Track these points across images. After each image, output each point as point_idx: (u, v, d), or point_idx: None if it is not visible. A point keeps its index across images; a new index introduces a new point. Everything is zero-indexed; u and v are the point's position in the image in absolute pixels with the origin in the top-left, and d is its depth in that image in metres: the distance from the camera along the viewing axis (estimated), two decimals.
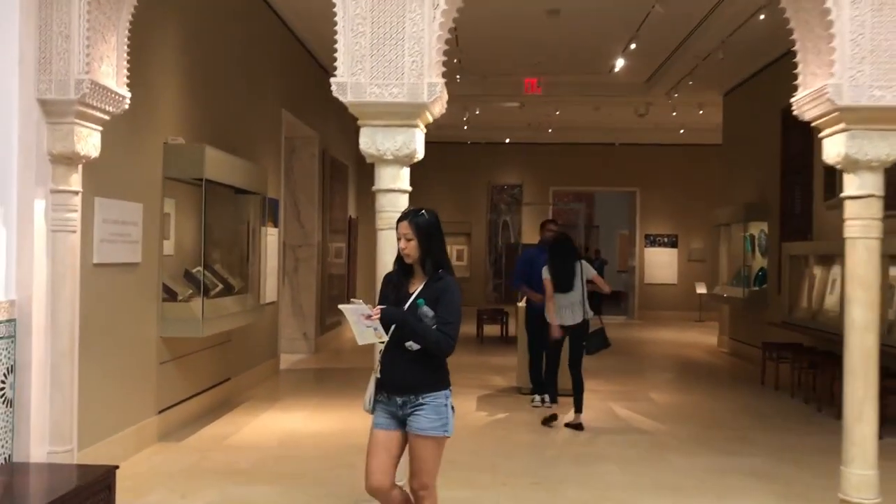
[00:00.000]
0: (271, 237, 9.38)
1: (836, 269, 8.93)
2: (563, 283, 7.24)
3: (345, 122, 14.73)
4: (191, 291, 6.79)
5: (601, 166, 19.87)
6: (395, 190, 4.39)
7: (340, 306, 3.57)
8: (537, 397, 8.14)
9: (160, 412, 6.40)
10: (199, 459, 5.90)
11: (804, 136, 10.39)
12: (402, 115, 4.30)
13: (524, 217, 20.24)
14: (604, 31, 11.13)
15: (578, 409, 7.28)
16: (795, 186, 10.73)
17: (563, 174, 20.09)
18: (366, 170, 15.63)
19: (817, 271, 9.19)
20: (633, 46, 11.14)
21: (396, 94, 4.25)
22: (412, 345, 3.52)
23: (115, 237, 5.54)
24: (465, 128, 17.53)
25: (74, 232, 4.51)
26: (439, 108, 4.46)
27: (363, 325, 3.47)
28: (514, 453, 6.35)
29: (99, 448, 5.33)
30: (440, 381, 3.60)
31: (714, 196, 19.44)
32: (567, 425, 7.23)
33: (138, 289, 6.03)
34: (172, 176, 6.46)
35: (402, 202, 4.42)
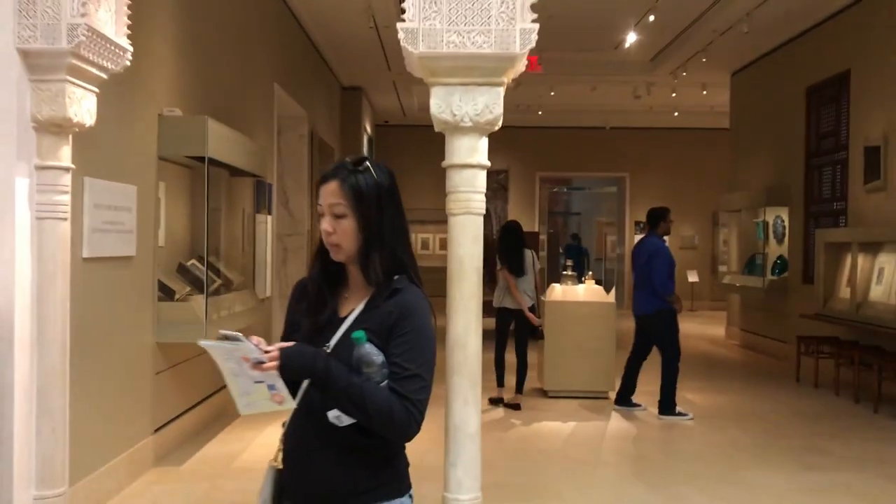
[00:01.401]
0: (267, 225, 8.43)
1: (882, 258, 8.27)
2: (515, 269, 7.48)
3: (332, 101, 13.79)
4: (189, 289, 5.85)
5: (590, 151, 19.15)
6: (472, 165, 3.51)
7: (202, 342, 1.93)
8: None
9: (156, 431, 5.46)
10: (208, 489, 4.99)
11: (837, 115, 9.72)
12: (487, 70, 3.42)
13: (511, 205, 19.44)
14: (616, 2, 10.34)
15: (519, 390, 7.53)
16: (825, 168, 10.06)
17: (551, 159, 19.33)
18: (351, 153, 14.71)
19: (861, 260, 8.51)
20: (651, 18, 10.35)
21: (481, 43, 3.36)
22: (340, 417, 1.94)
23: (107, 226, 4.59)
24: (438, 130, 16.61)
25: (65, 219, 3.57)
26: (523, 64, 3.59)
27: (247, 378, 1.87)
28: (573, 471, 5.54)
29: (89, 484, 4.39)
30: (390, 484, 2.00)
31: (707, 181, 18.96)
32: (506, 405, 7.43)
33: (133, 287, 5.08)
34: (169, 153, 5.50)
35: (481, 180, 3.55)
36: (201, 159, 5.59)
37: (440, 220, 16.32)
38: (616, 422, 7.04)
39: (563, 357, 7.81)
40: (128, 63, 3.82)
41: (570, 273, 8.17)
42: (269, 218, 8.78)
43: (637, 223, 19.82)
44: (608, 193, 21.98)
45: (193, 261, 6.50)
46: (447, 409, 3.54)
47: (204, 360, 6.27)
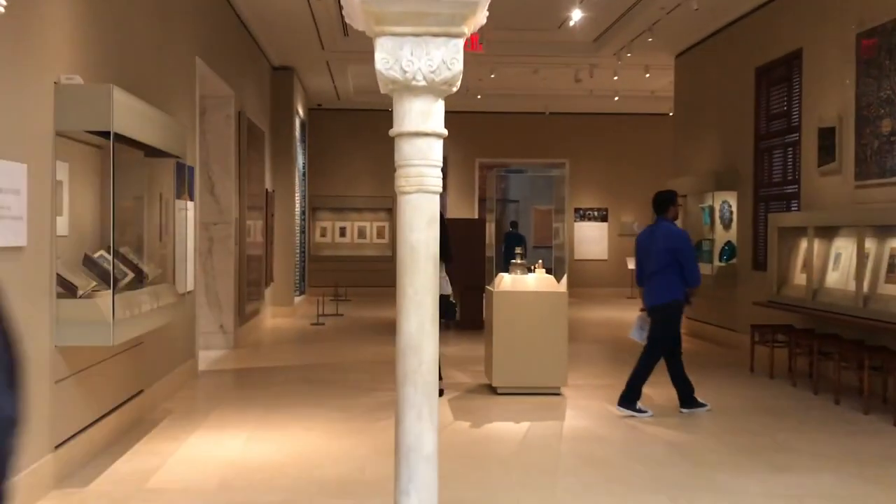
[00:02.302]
0: (189, 213, 7.69)
1: (839, 242, 7.98)
2: (443, 254, 6.85)
3: (262, 82, 12.99)
4: (95, 283, 5.12)
5: (530, 137, 18.74)
6: (426, 133, 2.93)
7: None
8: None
9: (57, 447, 4.73)
10: None
11: (788, 95, 9.43)
12: (443, 17, 2.84)
13: (449, 192, 18.89)
14: None
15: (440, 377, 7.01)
16: (775, 151, 9.78)
17: (490, 145, 18.85)
18: (282, 137, 13.95)
19: (816, 245, 8.22)
20: None
21: None
22: None
23: None
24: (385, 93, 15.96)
25: None
26: (484, 15, 3.02)
27: None
28: (534, 480, 5.02)
29: None
30: None
31: (649, 167, 18.73)
32: None
33: (24, 283, 4.35)
34: (67, 127, 4.76)
35: (436, 151, 2.97)
36: (108, 135, 4.86)
37: (377, 207, 15.64)
38: (572, 420, 6.57)
39: (513, 351, 7.31)
40: (1, 10, 3.10)
41: (518, 262, 7.66)
42: (191, 204, 8.03)
43: (577, 210, 19.52)
44: (546, 180, 21.65)
45: (102, 252, 5.76)
46: (397, 426, 2.96)
47: (112, 364, 5.57)
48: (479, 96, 16.62)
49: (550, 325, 7.36)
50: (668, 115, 18.01)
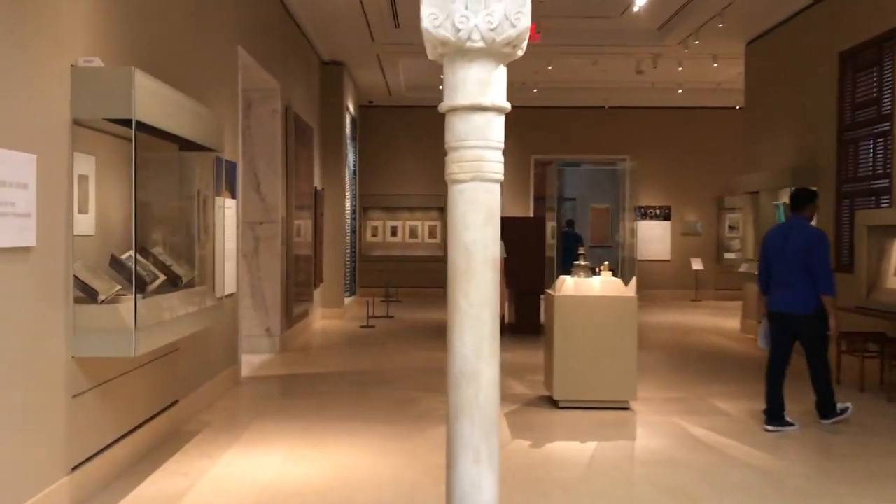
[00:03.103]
0: (229, 211, 7.25)
1: None
2: None
3: (310, 76, 12.56)
4: (119, 288, 4.66)
5: (588, 132, 18.02)
6: (485, 107, 2.37)
7: None
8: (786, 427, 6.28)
9: (74, 469, 4.29)
10: None
11: (879, 81, 8.61)
12: None
13: (504, 189, 18.24)
14: None
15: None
16: (862, 143, 8.95)
17: (547, 141, 18.17)
18: (332, 134, 13.52)
19: None
20: None
21: None
22: None
23: None
24: (441, 87, 15.42)
25: None
26: None
27: None
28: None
29: None
30: None
31: (712, 164, 17.87)
32: None
33: (35, 287, 3.90)
34: (85, 115, 4.31)
35: (496, 130, 2.41)
36: (131, 124, 4.39)
37: (429, 206, 15.11)
38: (644, 440, 5.92)
39: (576, 361, 6.69)
40: None
41: (582, 263, 7.03)
42: (233, 202, 7.60)
43: (637, 208, 18.71)
44: (608, 174, 20.90)
45: (131, 253, 5.33)
46: (449, 469, 2.39)
47: (142, 373, 5.12)
48: (535, 90, 15.98)
49: (618, 332, 6.72)
50: (734, 108, 17.15)
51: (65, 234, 4.21)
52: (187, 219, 6.19)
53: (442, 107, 2.42)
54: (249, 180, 9.58)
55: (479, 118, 2.36)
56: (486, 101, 2.36)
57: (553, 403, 6.88)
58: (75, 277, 4.33)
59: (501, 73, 2.40)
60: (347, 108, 14.38)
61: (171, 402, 5.86)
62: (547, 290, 7.29)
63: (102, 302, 4.44)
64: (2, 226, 3.53)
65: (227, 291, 7.21)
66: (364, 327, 12.47)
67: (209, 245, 6.33)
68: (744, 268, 11.66)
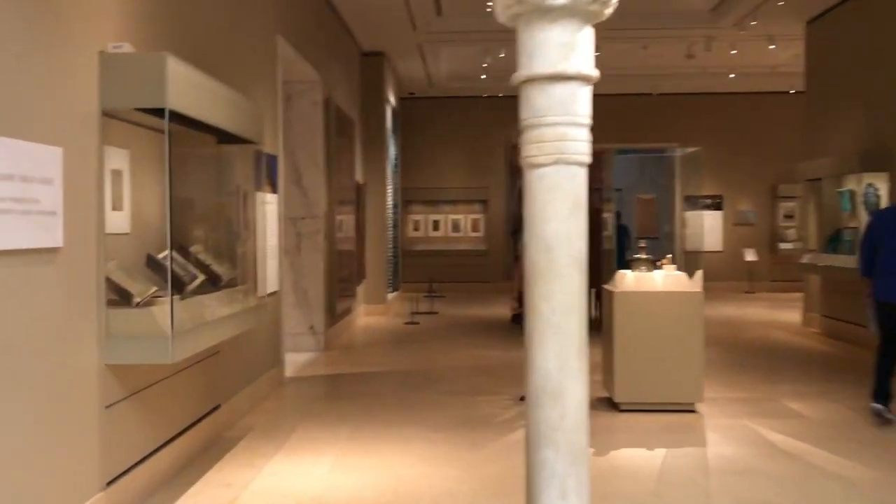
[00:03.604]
0: (270, 206, 6.96)
1: None
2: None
3: (350, 67, 12.26)
4: (155, 289, 4.38)
5: (636, 120, 17.44)
6: (568, 76, 1.99)
7: None
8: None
9: (109, 484, 4.01)
10: None
11: None
12: None
13: None
14: None
15: None
16: None
17: (592, 129, 17.62)
18: (373, 126, 13.17)
19: None
20: None
21: None
22: None
23: (9, 205, 3.12)
24: (483, 77, 15.04)
25: None
26: None
27: None
28: None
29: None
30: None
31: (765, 151, 17.23)
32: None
33: (61, 291, 3.62)
34: (115, 105, 4.01)
35: (582, 104, 2.03)
36: (164, 114, 4.09)
37: (471, 199, 14.69)
38: (716, 447, 5.49)
39: (639, 361, 6.28)
40: None
41: (643, 257, 6.61)
42: (275, 197, 7.31)
43: (687, 198, 18.11)
44: (652, 166, 20.32)
45: (167, 251, 5.06)
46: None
47: (181, 378, 4.84)
48: None
49: (683, 330, 6.30)
50: (788, 92, 16.50)
51: (96, 234, 3.93)
52: (228, 215, 5.90)
53: (515, 77, 2.05)
54: (290, 175, 9.30)
55: (561, 90, 1.99)
56: (570, 69, 1.98)
57: (613, 405, 6.48)
58: (108, 279, 4.05)
59: (587, 35, 2.02)
60: (388, 100, 14.06)
61: (212, 406, 5.59)
62: (604, 286, 6.89)
63: (138, 305, 4.16)
64: (24, 226, 3.24)
65: (270, 290, 6.93)
66: (408, 324, 12.16)
67: (250, 242, 6.04)
68: (806, 259, 11.09)
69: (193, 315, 4.46)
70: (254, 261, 6.06)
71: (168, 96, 3.91)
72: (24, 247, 3.25)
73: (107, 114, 4.00)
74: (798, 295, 12.26)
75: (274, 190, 7.36)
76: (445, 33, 12.10)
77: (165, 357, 3.96)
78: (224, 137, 5.51)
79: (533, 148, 2.03)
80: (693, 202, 18.19)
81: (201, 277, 5.06)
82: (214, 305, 4.90)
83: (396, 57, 13.79)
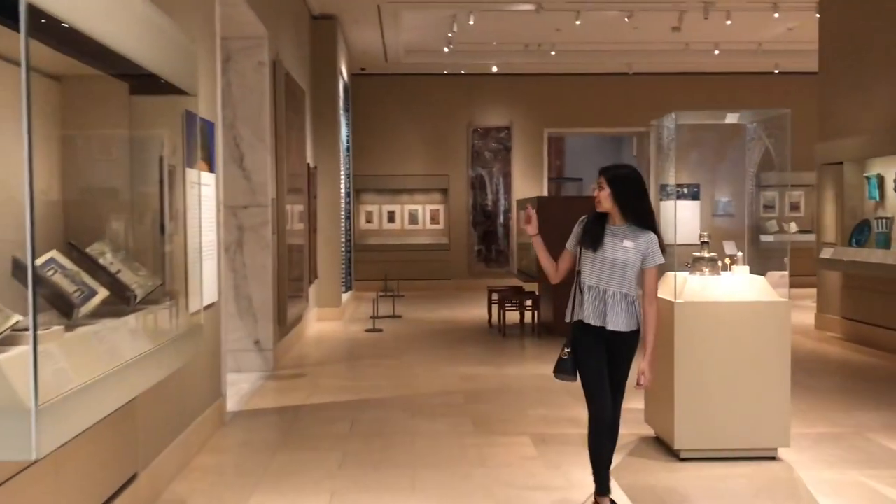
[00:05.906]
0: (206, 189, 5.20)
1: None
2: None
3: (300, 30, 10.40)
4: (18, 318, 2.62)
5: (610, 101, 16.01)
6: None
7: None
8: None
9: None
10: None
11: None
12: None
13: (514, 167, 16.26)
14: None
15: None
16: None
17: (561, 112, 16.16)
18: (324, 101, 11.24)
19: None
20: None
21: None
22: None
23: None
24: (447, 49, 13.37)
25: None
26: None
27: None
28: None
29: None
30: None
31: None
32: None
33: None
34: None
35: None
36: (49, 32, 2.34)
37: (430, 187, 12.61)
38: None
39: (708, 395, 4.72)
40: None
41: (706, 255, 5.06)
42: (212, 177, 5.55)
43: (663, 187, 16.78)
44: (610, 149, 19.02)
45: (54, 254, 3.30)
46: None
47: (69, 453, 3.06)
48: (553, 52, 13.97)
49: (766, 351, 4.77)
50: (772, 73, 15.31)
51: None
52: (146, 200, 4.13)
53: None
54: (230, 152, 7.50)
55: None
56: None
57: (665, 448, 4.92)
58: None
59: None
60: (341, 73, 12.26)
61: (126, 478, 3.82)
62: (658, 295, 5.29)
63: None
64: None
65: (207, 301, 5.16)
66: (370, 331, 10.43)
67: (179, 237, 4.26)
68: (826, 254, 9.76)
69: (84, 360, 2.70)
70: (184, 264, 4.29)
71: None
72: None
73: None
74: (793, 291, 10.93)
75: (211, 168, 5.59)
76: None
77: (26, 452, 2.20)
78: (140, 85, 3.77)
79: None
80: (667, 192, 16.91)
81: (102, 293, 3.30)
82: (122, 338, 3.14)
83: (350, 21, 11.99)
